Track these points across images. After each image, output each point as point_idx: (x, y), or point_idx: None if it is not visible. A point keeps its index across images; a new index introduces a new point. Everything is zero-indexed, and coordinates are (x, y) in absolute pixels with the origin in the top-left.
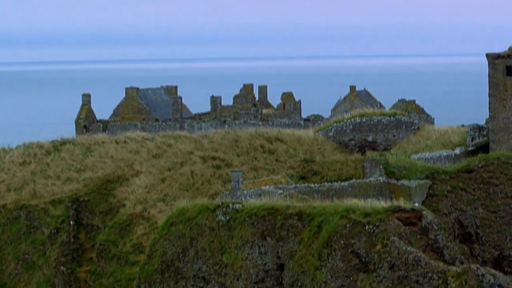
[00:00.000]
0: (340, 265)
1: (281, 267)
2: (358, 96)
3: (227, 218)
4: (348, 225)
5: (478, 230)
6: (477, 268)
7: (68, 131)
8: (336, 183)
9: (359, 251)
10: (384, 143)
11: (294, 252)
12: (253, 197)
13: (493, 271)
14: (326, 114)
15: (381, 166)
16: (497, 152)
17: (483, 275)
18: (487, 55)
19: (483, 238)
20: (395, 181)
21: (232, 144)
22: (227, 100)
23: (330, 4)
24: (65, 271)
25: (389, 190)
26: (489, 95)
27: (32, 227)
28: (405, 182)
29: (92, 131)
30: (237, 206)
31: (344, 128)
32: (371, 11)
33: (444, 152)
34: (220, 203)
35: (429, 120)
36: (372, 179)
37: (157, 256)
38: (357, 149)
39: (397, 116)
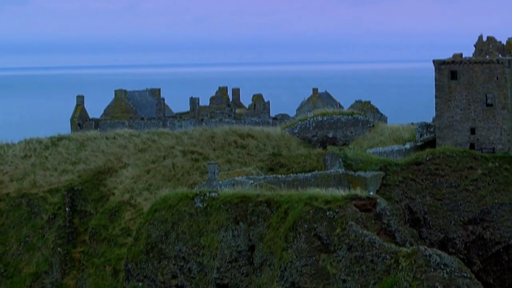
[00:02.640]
0: (304, 247)
1: (252, 248)
2: (320, 98)
3: (204, 205)
4: (311, 211)
5: (425, 216)
6: (425, 249)
7: (64, 128)
8: (300, 174)
9: (321, 234)
10: (343, 139)
11: (264, 235)
12: (227, 186)
13: (439, 251)
14: (292, 113)
15: (340, 159)
16: (442, 147)
17: (430, 255)
18: (433, 61)
19: (430, 223)
20: (353, 173)
21: (209, 139)
22: (204, 101)
23: (293, 17)
24: (62, 252)
25: (347, 180)
26: (436, 97)
27: (32, 213)
28: (361, 173)
29: (85, 128)
30: (213, 194)
31: (308, 125)
32: (331, 23)
33: (395, 147)
34: (198, 192)
35: (383, 118)
36: (332, 170)
37: (142, 238)
38: (319, 144)
39: (354, 115)
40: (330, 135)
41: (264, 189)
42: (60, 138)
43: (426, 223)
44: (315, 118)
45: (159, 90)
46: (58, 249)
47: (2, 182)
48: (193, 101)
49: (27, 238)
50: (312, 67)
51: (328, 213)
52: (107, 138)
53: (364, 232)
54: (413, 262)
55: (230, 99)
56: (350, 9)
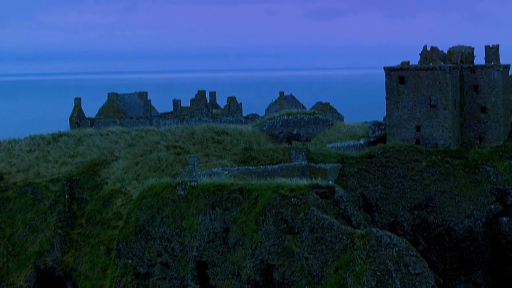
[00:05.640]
0: (272, 229)
1: (227, 230)
2: (286, 100)
3: (186, 192)
4: (278, 198)
5: (377, 202)
6: (377, 231)
7: (64, 126)
8: (269, 166)
9: (286, 218)
10: (305, 135)
11: (237, 219)
12: (205, 176)
13: (389, 233)
14: (261, 113)
15: (303, 153)
16: (392, 142)
17: (381, 236)
18: (384, 68)
19: (381, 208)
20: (314, 165)
21: (189, 136)
22: (185, 103)
23: (261, 29)
24: (62, 233)
25: (309, 171)
26: (386, 99)
27: (36, 200)
28: (321, 165)
29: (82, 126)
30: (193, 183)
31: (275, 124)
32: (294, 34)
33: (351, 142)
34: (180, 181)
35: (340, 118)
36: (296, 163)
37: (132, 222)
38: (285, 140)
39: (315, 115)
40: (295, 132)
41: (237, 179)
42: (60, 135)
43: (377, 208)
44: (281, 117)
45: (146, 93)
46: (59, 231)
47: (10, 173)
48: (176, 103)
49: (32, 222)
50: (279, 73)
51: (292, 199)
52: (101, 135)
53: (324, 216)
54: (366, 242)
55: (208, 101)
56: (311, 23)
